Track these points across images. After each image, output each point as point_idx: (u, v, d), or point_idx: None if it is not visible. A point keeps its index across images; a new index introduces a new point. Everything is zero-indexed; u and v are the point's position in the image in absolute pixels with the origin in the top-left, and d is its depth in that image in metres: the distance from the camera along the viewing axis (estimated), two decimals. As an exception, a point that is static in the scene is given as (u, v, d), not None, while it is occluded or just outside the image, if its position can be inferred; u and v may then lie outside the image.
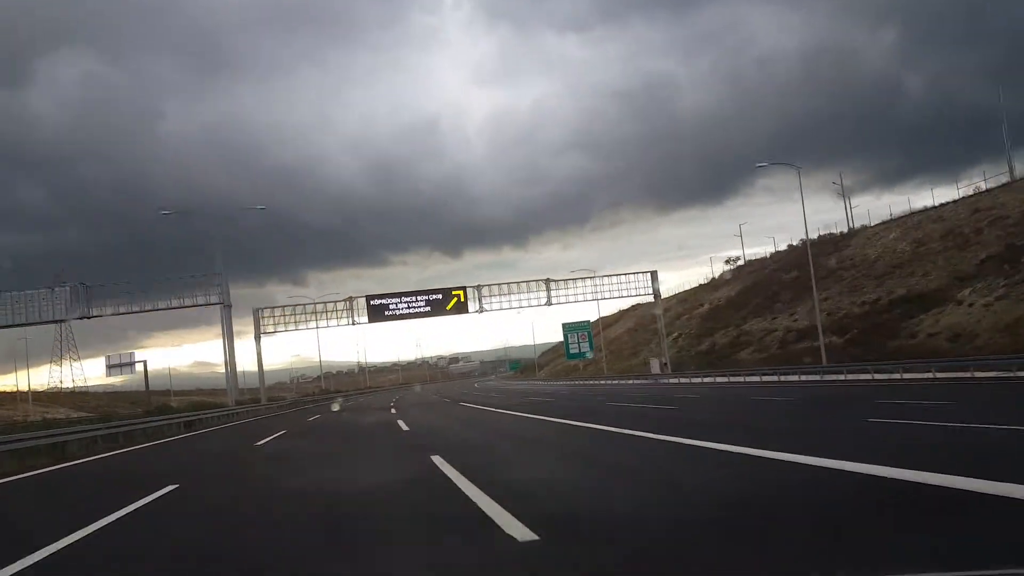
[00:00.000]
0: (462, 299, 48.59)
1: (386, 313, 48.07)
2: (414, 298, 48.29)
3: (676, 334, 62.95)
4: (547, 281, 50.11)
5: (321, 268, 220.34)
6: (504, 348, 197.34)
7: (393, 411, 30.22)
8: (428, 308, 48.23)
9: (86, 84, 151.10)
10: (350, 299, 48.10)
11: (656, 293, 51.67)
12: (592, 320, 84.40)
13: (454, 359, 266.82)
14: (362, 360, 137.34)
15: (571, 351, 75.58)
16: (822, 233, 61.71)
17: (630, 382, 52.90)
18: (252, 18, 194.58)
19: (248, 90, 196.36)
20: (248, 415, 35.39)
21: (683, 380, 45.33)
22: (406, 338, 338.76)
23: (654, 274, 51.45)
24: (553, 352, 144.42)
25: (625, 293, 51.94)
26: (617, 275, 51.25)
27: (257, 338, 46.77)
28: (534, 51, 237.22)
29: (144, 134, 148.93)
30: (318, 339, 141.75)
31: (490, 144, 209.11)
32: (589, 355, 75.90)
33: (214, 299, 40.74)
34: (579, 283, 50.70)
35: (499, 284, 50.07)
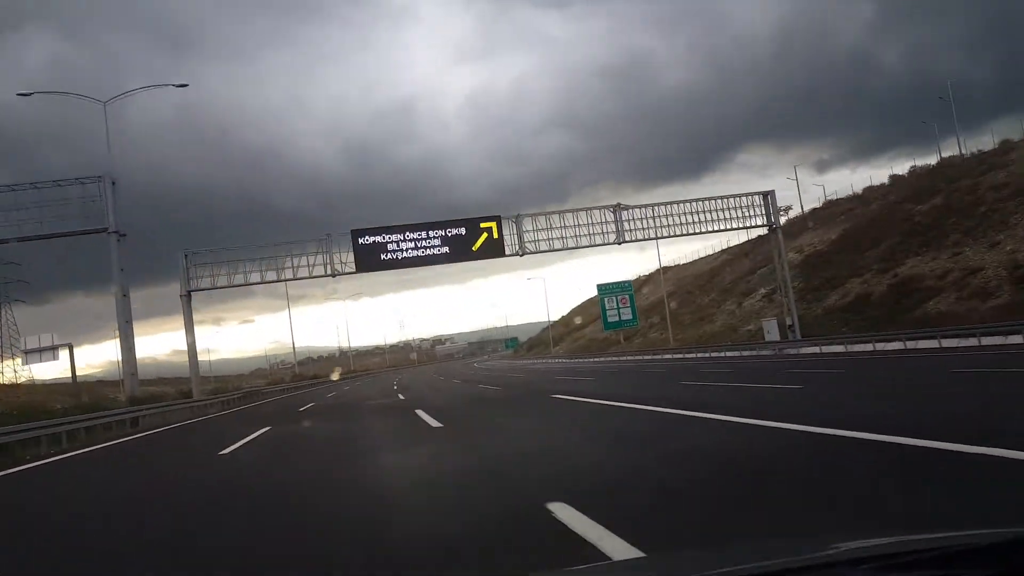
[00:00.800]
0: (495, 235, 32.60)
1: (383, 258, 31.91)
2: (424, 235, 32.13)
3: (763, 291, 47.55)
4: (616, 209, 34.25)
5: (297, 252, 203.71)
6: (488, 329, 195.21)
7: (425, 416, 14.72)
8: (446, 250, 32.15)
9: (48, 65, 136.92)
10: (327, 236, 31.90)
11: (774, 221, 35.99)
12: (644, 274, 68.98)
13: (438, 340, 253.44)
14: (344, 342, 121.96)
15: (609, 319, 59.98)
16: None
17: (733, 355, 37.33)
18: None
19: (216, 70, 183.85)
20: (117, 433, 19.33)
21: (836, 349, 30.08)
22: (387, 320, 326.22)
23: (770, 197, 35.85)
24: (563, 326, 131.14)
25: (723, 225, 36.20)
26: (714, 199, 35.53)
27: (186, 297, 30.47)
28: (513, 27, 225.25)
29: (109, 116, 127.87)
30: (290, 319, 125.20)
31: (469, 124, 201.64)
32: (635, 323, 60.33)
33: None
34: (662, 216, 34.89)
35: (546, 214, 34.20)
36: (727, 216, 35.57)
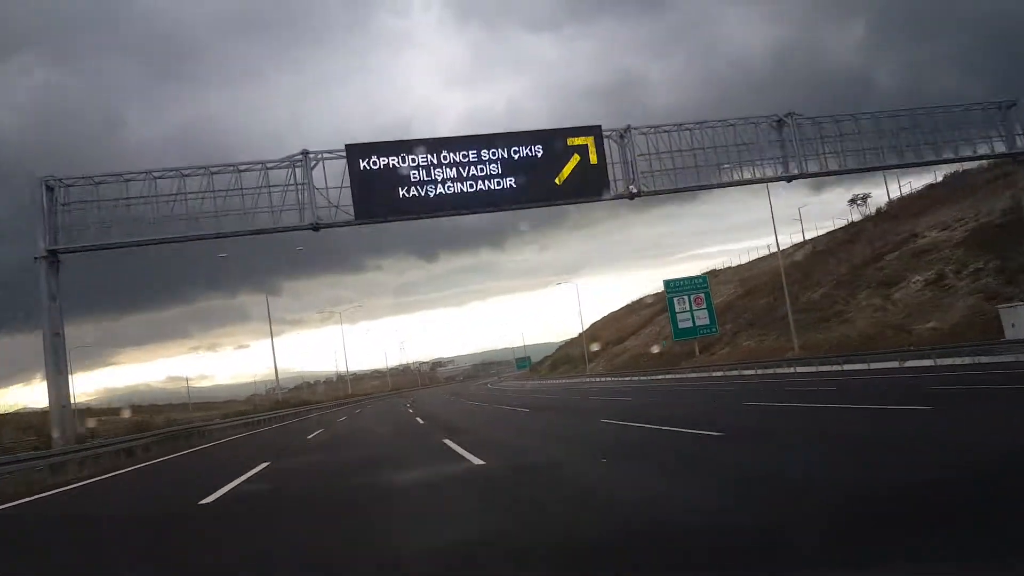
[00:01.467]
0: (591, 159, 19.11)
1: (401, 195, 18.33)
2: (473, 155, 18.63)
3: (920, 277, 34.04)
4: (782, 123, 20.83)
5: (294, 277, 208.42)
6: (487, 351, 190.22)
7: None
8: (511, 182, 18.61)
9: (42, 90, 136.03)
10: (303, 156, 18.29)
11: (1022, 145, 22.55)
12: (706, 271, 55.44)
13: (437, 363, 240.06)
14: (341, 366, 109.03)
15: (680, 324, 46.35)
16: None
17: (953, 362, 23.59)
18: (217, 21, 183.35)
19: (216, 95, 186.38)
20: None
21: None
22: (384, 344, 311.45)
23: (1013, 110, 22.48)
24: (575, 345, 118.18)
25: (942, 152, 22.75)
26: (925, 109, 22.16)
27: (47, 260, 16.76)
28: (506, 51, 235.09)
29: (105, 141, 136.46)
30: (272, 343, 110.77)
31: None
32: (714, 330, 46.65)
33: None
34: (849, 135, 21.45)
35: (667, 129, 20.70)
36: (944, 138, 22.25)
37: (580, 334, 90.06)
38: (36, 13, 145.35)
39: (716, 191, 23.49)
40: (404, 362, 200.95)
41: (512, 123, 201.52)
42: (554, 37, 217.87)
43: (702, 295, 46.65)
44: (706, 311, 46.32)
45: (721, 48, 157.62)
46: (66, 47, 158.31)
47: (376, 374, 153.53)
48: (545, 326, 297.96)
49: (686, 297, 46.49)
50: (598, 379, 61.04)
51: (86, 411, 34.38)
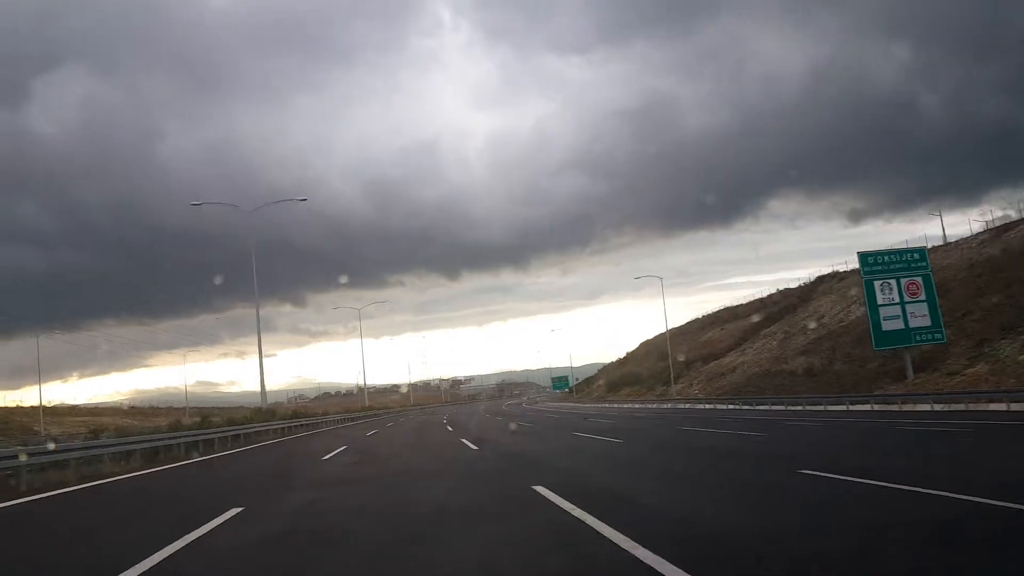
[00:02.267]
0: None
1: None
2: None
3: None
4: None
5: (319, 290, 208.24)
6: (508, 372, 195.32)
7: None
8: None
9: (84, 104, 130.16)
10: None
11: None
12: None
13: (458, 381, 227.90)
14: (363, 379, 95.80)
15: (885, 327, 30.55)
16: None
17: None
18: (249, 38, 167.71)
19: (245, 111, 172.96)
20: None
21: None
22: (407, 359, 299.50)
23: None
24: (606, 372, 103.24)
25: None
26: None
27: None
28: (535, 73, 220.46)
29: (143, 155, 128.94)
30: (260, 358, 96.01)
31: (490, 166, 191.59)
32: (940, 336, 30.65)
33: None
34: None
35: None
36: None
37: (646, 350, 73.77)
38: (80, 24, 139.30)
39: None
40: (425, 378, 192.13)
41: (539, 145, 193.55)
42: (582, 59, 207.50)
43: (918, 279, 30.78)
44: (925, 305, 30.44)
45: (754, 70, 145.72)
46: (108, 61, 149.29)
47: (395, 388, 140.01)
48: (571, 348, 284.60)
49: (893, 282, 30.69)
50: (702, 404, 45.07)
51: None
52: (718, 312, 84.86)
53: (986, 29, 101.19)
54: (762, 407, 38.08)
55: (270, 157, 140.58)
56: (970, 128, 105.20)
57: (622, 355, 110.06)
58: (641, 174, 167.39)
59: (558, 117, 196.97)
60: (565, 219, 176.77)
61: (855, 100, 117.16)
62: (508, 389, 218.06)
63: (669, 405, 50.35)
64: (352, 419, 48.64)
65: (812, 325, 48.07)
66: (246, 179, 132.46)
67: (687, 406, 47.76)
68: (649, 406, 53.74)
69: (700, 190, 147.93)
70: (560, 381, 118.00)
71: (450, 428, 27.11)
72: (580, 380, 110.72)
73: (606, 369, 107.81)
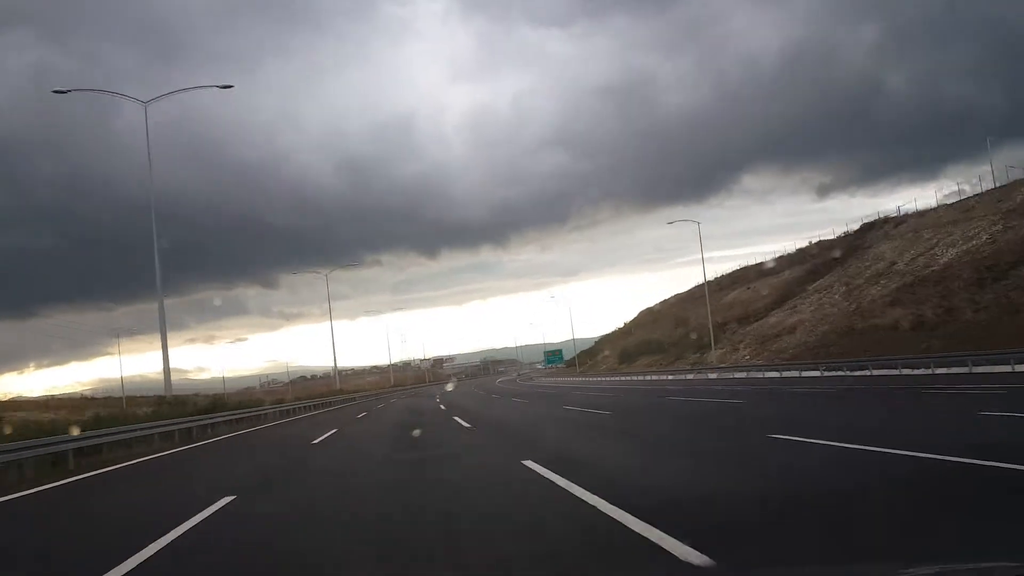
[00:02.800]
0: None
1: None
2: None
3: None
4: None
5: (290, 269, 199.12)
6: (489, 350, 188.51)
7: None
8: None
9: (32, 70, 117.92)
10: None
11: None
12: None
13: (439, 361, 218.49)
14: (340, 361, 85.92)
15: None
16: None
17: None
18: (213, 6, 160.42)
19: (207, 81, 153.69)
20: None
21: None
22: (385, 340, 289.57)
23: None
24: (609, 343, 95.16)
25: None
26: None
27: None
28: (514, 45, 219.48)
29: (98, 129, 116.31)
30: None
31: (468, 141, 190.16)
32: None
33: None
34: None
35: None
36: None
37: (654, 318, 64.54)
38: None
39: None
40: (405, 358, 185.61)
41: (519, 120, 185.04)
42: (563, 33, 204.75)
43: None
44: None
45: (732, 48, 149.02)
46: (60, 27, 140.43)
47: (375, 370, 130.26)
48: (557, 323, 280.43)
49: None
50: (764, 372, 35.98)
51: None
52: (737, 272, 76.20)
53: (947, 14, 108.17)
54: (862, 372, 29.14)
55: (236, 130, 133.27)
56: (930, 106, 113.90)
57: (619, 325, 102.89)
58: (621, 151, 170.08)
59: (538, 92, 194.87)
60: (544, 196, 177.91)
61: (826, 78, 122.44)
62: (492, 366, 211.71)
63: (716, 375, 41.29)
64: (315, 406, 38.29)
65: (899, 266, 39.23)
66: (211, 153, 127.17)
67: (743, 374, 38.74)
68: (687, 376, 44.68)
69: (677, 167, 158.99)
70: (554, 355, 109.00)
71: (459, 419, 18.67)
72: (577, 353, 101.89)
73: (608, 340, 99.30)
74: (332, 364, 67.21)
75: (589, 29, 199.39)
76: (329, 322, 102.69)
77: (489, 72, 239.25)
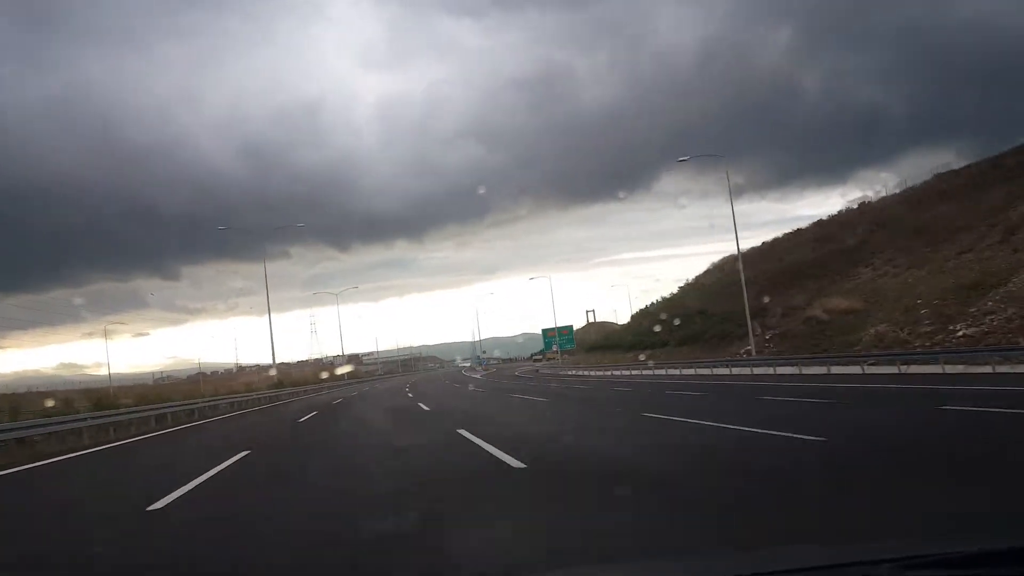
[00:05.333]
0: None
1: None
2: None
3: None
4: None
5: (193, 261, 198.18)
6: (409, 347, 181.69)
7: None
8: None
9: None
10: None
11: None
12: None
13: (357, 358, 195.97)
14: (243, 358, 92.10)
15: None
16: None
17: None
18: None
19: (97, 57, 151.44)
20: None
21: None
22: (293, 337, 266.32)
23: None
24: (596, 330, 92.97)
25: None
26: None
27: None
28: (427, 34, 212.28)
29: None
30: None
31: (380, 131, 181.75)
32: None
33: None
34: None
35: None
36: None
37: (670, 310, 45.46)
38: None
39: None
40: (318, 355, 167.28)
41: (432, 111, 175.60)
42: (477, 24, 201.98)
43: None
44: None
45: (647, 45, 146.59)
46: None
47: (284, 366, 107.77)
48: (488, 320, 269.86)
49: None
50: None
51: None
52: (778, 240, 58.60)
53: (859, 17, 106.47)
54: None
55: (128, 111, 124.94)
56: (841, 111, 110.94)
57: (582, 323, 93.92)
58: (537, 146, 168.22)
59: (452, 83, 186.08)
60: (460, 189, 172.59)
61: (739, 79, 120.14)
62: (416, 364, 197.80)
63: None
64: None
65: None
66: (99, 135, 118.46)
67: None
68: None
69: (594, 164, 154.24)
70: (564, 340, 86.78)
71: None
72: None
73: (580, 335, 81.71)
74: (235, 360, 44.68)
75: (502, 21, 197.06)
76: (239, 318, 79.83)
77: (402, 60, 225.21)
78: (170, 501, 7.03)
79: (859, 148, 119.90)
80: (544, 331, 77.60)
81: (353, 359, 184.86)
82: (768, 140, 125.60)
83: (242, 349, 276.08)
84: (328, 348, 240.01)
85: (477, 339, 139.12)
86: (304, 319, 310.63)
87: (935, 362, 22.06)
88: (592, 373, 49.46)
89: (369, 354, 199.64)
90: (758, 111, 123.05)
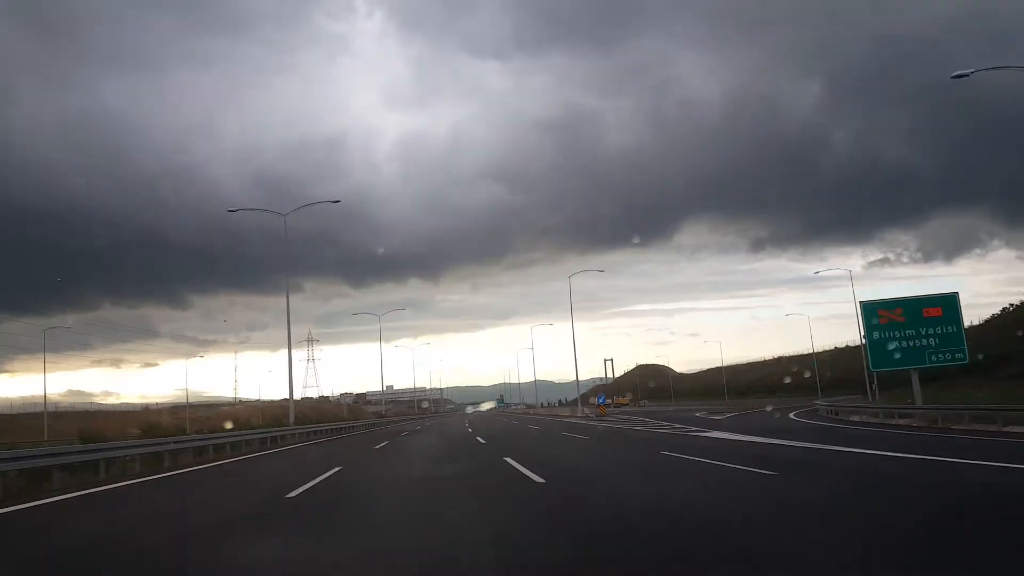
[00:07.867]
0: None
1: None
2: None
3: None
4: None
5: (205, 292, 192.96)
6: (409, 388, 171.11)
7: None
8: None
9: None
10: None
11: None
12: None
13: (362, 397, 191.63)
14: (243, 392, 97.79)
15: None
16: None
17: None
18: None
19: (115, 82, 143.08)
20: None
21: None
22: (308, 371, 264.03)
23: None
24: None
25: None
26: None
27: None
28: (452, 74, 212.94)
29: None
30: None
31: (399, 169, 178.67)
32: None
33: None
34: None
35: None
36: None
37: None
38: None
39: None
40: (322, 393, 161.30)
41: (456, 151, 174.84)
42: (502, 66, 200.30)
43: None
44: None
45: (674, 93, 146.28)
46: None
47: (285, 402, 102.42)
48: (485, 368, 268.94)
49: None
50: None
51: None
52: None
53: (891, 79, 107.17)
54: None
55: (142, 138, 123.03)
56: (869, 170, 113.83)
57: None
58: (558, 189, 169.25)
59: (475, 123, 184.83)
60: (479, 230, 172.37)
61: (766, 132, 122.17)
62: (411, 406, 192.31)
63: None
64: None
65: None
66: (112, 161, 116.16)
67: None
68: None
69: (615, 211, 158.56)
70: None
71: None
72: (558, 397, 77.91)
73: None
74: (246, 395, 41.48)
75: (527, 64, 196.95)
76: (251, 352, 75.26)
77: (425, 99, 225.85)
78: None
79: (886, 210, 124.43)
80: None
81: (359, 398, 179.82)
82: (793, 196, 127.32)
83: (244, 383, 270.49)
84: (332, 386, 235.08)
85: (516, 381, 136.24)
86: (316, 354, 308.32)
87: None
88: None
89: (374, 394, 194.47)
90: (785, 166, 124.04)
